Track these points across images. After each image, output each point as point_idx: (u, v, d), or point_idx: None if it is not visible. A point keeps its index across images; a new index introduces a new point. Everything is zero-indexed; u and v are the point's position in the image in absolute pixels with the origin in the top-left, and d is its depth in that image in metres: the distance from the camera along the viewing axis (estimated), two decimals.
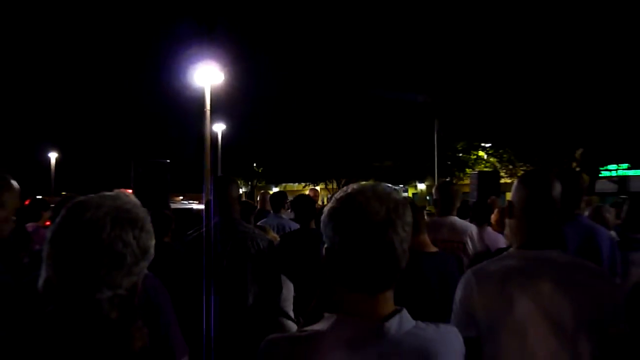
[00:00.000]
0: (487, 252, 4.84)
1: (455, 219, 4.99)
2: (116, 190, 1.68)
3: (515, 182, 2.39)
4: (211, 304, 3.70)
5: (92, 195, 1.40)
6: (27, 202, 7.62)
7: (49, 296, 1.29)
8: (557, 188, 2.27)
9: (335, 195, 1.54)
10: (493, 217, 6.04)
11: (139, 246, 1.34)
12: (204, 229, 3.93)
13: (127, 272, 1.32)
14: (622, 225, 4.50)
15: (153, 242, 1.41)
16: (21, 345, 1.22)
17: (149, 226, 1.41)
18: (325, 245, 1.53)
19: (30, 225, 6.50)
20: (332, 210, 1.50)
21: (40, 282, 1.30)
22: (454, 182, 32.78)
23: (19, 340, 1.23)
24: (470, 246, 4.83)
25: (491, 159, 33.88)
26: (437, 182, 6.58)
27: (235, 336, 3.65)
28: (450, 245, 4.74)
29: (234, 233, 3.85)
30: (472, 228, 5.02)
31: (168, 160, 8.14)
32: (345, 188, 1.54)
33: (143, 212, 1.41)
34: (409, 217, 1.50)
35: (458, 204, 5.13)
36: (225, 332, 3.67)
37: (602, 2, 24.10)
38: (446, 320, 2.18)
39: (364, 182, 1.56)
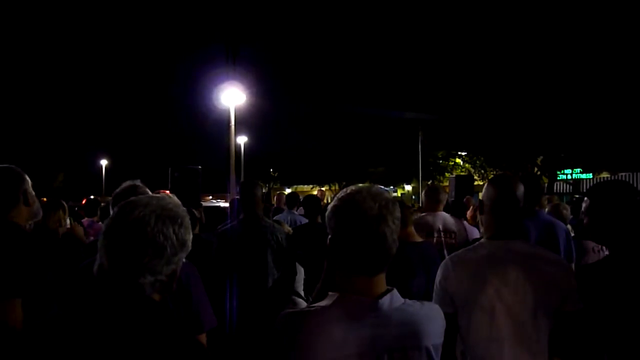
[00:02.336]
0: (464, 242, 4.84)
1: (446, 214, 4.98)
2: (161, 192, 1.69)
3: (486, 183, 2.39)
4: (234, 284, 3.72)
5: (142, 196, 1.41)
6: (83, 202, 7.64)
7: (102, 280, 1.30)
8: (520, 189, 2.27)
9: (337, 195, 1.54)
10: (468, 213, 6.01)
11: (178, 239, 1.34)
12: (232, 223, 3.96)
13: (167, 261, 1.32)
14: (581, 218, 4.48)
15: (190, 236, 1.41)
16: (75, 323, 1.23)
17: (188, 223, 1.40)
18: (330, 236, 1.53)
19: (85, 220, 6.53)
20: (335, 208, 1.51)
21: (95, 267, 1.31)
22: (435, 184, 32.78)
23: (73, 319, 1.24)
24: (459, 236, 4.84)
25: (466, 165, 33.80)
26: (429, 185, 6.55)
27: (257, 311, 3.66)
28: (445, 235, 4.74)
29: (257, 227, 3.86)
30: (459, 222, 5.02)
31: (200, 167, 8.12)
32: (345, 189, 1.54)
33: (183, 211, 1.41)
34: (397, 213, 1.50)
35: (444, 202, 5.13)
36: (249, 308, 3.68)
37: (561, 29, 24.10)
38: (429, 299, 2.18)
39: (360, 184, 1.56)
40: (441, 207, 5.01)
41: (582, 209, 2.21)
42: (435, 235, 4.64)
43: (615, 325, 1.97)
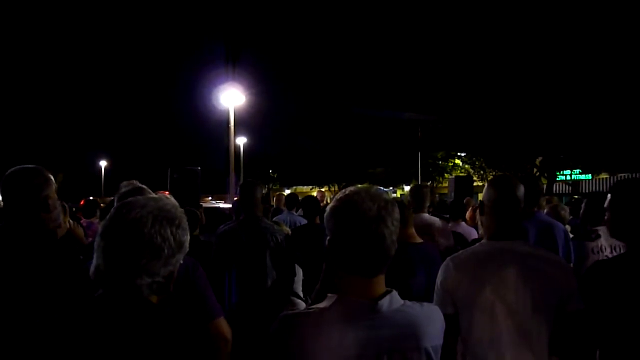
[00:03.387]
0: (463, 243, 4.82)
1: (426, 215, 4.92)
2: (159, 193, 1.68)
3: (486, 185, 2.38)
4: (233, 284, 3.72)
5: (140, 197, 1.40)
6: (82, 202, 7.63)
7: (99, 282, 1.29)
8: (521, 190, 2.26)
9: (336, 197, 1.54)
10: (468, 214, 6.02)
11: (176, 241, 1.33)
12: (232, 224, 3.96)
13: (165, 263, 1.31)
14: (582, 219, 4.48)
15: (188, 238, 1.40)
16: (75, 326, 1.22)
17: (186, 224, 1.39)
18: (329, 238, 1.52)
19: (84, 222, 6.51)
20: (334, 209, 1.50)
21: (92, 269, 1.30)
22: (435, 185, 32.86)
23: (73, 321, 1.23)
24: (438, 237, 4.75)
25: (466, 166, 33.85)
26: (411, 186, 6.42)
27: (256, 312, 3.65)
28: (426, 237, 4.67)
29: (257, 228, 3.86)
30: (438, 222, 4.95)
31: (199, 168, 8.13)
32: (344, 190, 1.53)
33: (181, 213, 1.40)
34: (397, 214, 1.49)
35: (428, 203, 5.05)
36: (248, 309, 3.68)
37: (560, 31, 24.14)
38: (429, 300, 2.17)
39: (360, 185, 1.55)
40: (425, 209, 4.93)
41: (605, 204, 2.20)
42: None
43: (633, 320, 1.95)
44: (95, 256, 1.30)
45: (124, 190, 2.47)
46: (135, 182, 2.82)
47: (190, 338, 1.29)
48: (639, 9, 22.41)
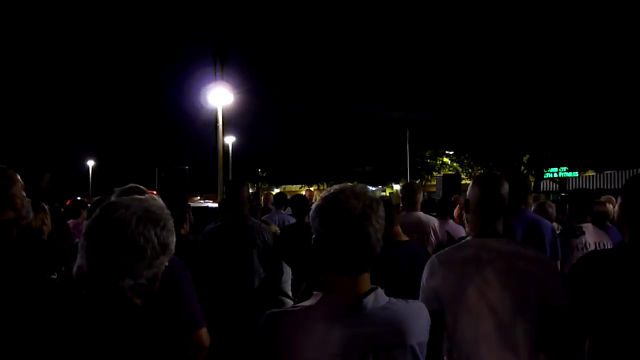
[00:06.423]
0: (450, 240, 4.84)
1: (421, 213, 4.95)
2: (147, 194, 1.66)
3: (471, 182, 2.39)
4: (220, 285, 3.70)
5: (125, 197, 1.39)
6: (68, 202, 7.57)
7: (81, 282, 1.28)
8: (505, 187, 2.27)
9: (321, 195, 1.54)
10: (456, 212, 6.05)
11: (160, 242, 1.32)
12: (218, 223, 3.95)
13: (148, 264, 1.30)
14: (568, 216, 4.53)
15: (174, 239, 1.38)
16: (59, 326, 1.21)
17: (171, 226, 1.38)
18: (314, 236, 1.52)
19: (71, 222, 6.46)
20: (318, 207, 1.50)
21: (74, 269, 1.29)
22: (423, 183, 33.01)
23: (57, 321, 1.23)
24: (433, 236, 4.79)
25: (454, 164, 34.04)
26: (402, 184, 6.44)
27: (244, 312, 3.64)
28: (417, 235, 4.69)
29: (244, 227, 3.85)
30: (435, 221, 4.99)
31: (187, 167, 8.09)
32: (329, 188, 1.54)
33: (167, 214, 1.39)
34: (381, 212, 1.49)
35: (421, 200, 5.07)
36: (235, 308, 3.67)
37: (547, 30, 24.33)
38: (414, 297, 2.18)
39: (349, 184, 1.55)
40: (418, 207, 4.95)
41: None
42: (407, 234, 4.59)
43: (627, 312, 1.88)
44: (78, 256, 1.29)
45: (119, 189, 2.46)
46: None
47: (173, 341, 1.28)
48: (625, 9, 22.63)
